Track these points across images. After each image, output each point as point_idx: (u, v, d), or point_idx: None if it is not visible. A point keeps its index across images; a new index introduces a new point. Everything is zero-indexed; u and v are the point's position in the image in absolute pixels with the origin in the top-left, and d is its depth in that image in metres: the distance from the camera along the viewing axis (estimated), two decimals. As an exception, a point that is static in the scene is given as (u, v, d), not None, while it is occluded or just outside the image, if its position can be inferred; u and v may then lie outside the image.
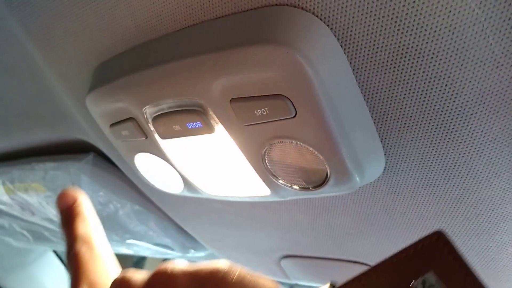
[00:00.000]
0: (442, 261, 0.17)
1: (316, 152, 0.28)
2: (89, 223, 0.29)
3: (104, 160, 0.53)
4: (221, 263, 0.21)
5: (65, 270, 1.11)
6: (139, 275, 0.23)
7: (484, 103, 0.26)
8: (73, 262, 0.27)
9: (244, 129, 0.29)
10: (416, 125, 0.28)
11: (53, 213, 0.61)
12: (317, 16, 0.25)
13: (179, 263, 0.23)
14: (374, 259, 0.46)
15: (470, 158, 0.29)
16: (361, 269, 0.50)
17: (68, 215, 0.29)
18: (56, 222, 0.67)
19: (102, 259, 0.27)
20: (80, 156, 0.53)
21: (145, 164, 0.40)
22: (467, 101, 0.26)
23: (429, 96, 0.26)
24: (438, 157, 0.30)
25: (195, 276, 0.21)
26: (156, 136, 0.34)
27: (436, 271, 0.17)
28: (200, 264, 0.22)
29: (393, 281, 0.18)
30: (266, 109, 0.27)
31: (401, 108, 0.28)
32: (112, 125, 0.37)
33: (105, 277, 0.27)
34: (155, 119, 0.32)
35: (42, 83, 0.46)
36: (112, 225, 0.56)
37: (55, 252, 1.09)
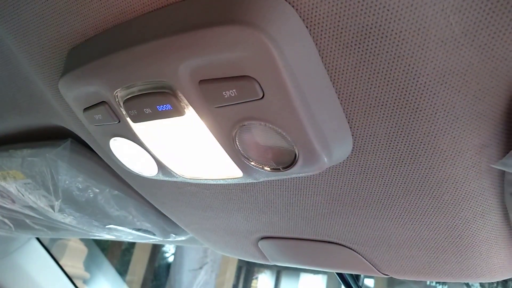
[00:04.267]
0: None
1: (284, 133, 0.29)
2: None
3: (81, 146, 0.53)
4: None
5: (48, 256, 1.11)
6: None
7: (446, 82, 0.27)
8: None
9: (213, 111, 0.29)
10: (382, 105, 0.29)
11: (33, 200, 0.60)
12: None
13: None
14: (347, 239, 0.47)
15: (434, 137, 0.30)
16: (336, 250, 0.51)
17: None
18: (36, 210, 0.67)
19: None
20: (58, 143, 0.53)
21: (120, 149, 0.40)
22: (430, 81, 0.27)
23: (393, 76, 0.27)
24: (404, 137, 0.31)
25: None
26: (128, 119, 0.34)
27: None
28: None
29: None
30: (234, 90, 0.27)
31: (366, 89, 0.28)
32: (86, 109, 0.37)
33: None
34: (126, 102, 0.32)
35: (16, 69, 0.46)
36: (92, 211, 0.56)
37: (38, 239, 1.09)
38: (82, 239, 2.96)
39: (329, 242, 0.49)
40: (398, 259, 0.47)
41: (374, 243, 0.45)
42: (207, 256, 3.70)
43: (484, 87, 0.27)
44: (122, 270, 4.08)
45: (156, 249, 4.45)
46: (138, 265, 4.23)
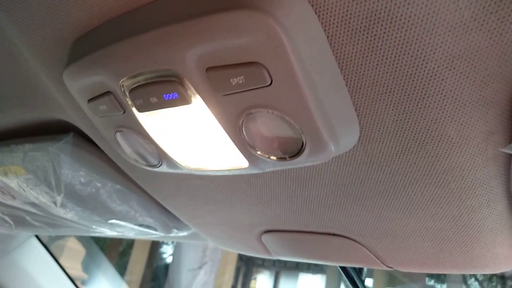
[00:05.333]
0: None
1: (291, 121, 0.29)
2: None
3: (84, 140, 0.53)
4: None
5: (48, 255, 1.11)
6: None
7: (455, 68, 0.27)
8: None
9: (221, 99, 0.29)
10: (390, 92, 0.29)
11: (34, 196, 0.60)
12: None
13: None
14: (351, 230, 0.47)
15: (442, 124, 0.30)
16: (340, 242, 0.51)
17: None
18: (37, 206, 0.67)
19: None
20: (60, 137, 0.53)
21: (124, 140, 0.40)
22: (439, 67, 0.27)
23: (402, 62, 0.27)
24: (411, 124, 0.31)
25: None
26: (134, 109, 0.34)
27: None
28: None
29: None
30: (242, 77, 0.27)
31: (374, 75, 0.28)
32: (90, 100, 0.37)
33: None
34: (132, 91, 0.32)
35: (17, 62, 0.45)
36: (94, 205, 0.56)
37: (37, 237, 1.08)
38: (80, 240, 2.95)
39: (333, 234, 0.48)
40: (402, 251, 0.47)
41: (379, 234, 0.45)
42: (206, 255, 3.69)
43: (491, 72, 0.27)
44: (121, 271, 4.07)
45: (154, 249, 4.44)
46: (137, 266, 4.22)
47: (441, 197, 0.36)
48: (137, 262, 4.29)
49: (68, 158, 0.49)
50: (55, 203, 0.55)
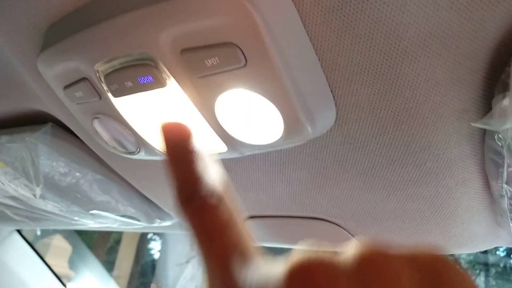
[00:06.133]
0: None
1: (268, 102, 0.29)
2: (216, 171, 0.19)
3: (62, 129, 0.52)
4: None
5: (31, 251, 1.09)
6: (334, 260, 0.15)
7: (427, 46, 0.27)
8: (204, 219, 0.17)
9: (196, 82, 0.29)
10: (364, 72, 0.29)
11: (13, 188, 0.59)
12: None
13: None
14: (332, 213, 0.47)
15: (416, 103, 0.30)
16: (321, 226, 0.51)
17: (181, 153, 0.18)
18: (19, 200, 0.66)
19: (241, 221, 0.18)
20: (38, 127, 0.52)
21: (101, 127, 0.39)
22: (411, 45, 0.27)
23: (375, 41, 0.27)
24: (386, 104, 0.31)
25: (422, 268, 0.15)
26: (110, 95, 0.33)
27: None
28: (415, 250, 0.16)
29: None
30: (216, 58, 0.27)
31: (349, 55, 0.29)
32: (66, 87, 0.36)
33: (252, 247, 0.17)
34: (107, 76, 0.32)
35: None
36: (74, 196, 0.55)
37: (19, 232, 1.06)
38: (66, 238, 2.91)
39: (315, 218, 0.49)
40: (383, 233, 0.47)
41: (359, 217, 0.46)
42: (193, 249, 3.68)
43: (464, 50, 0.27)
44: (109, 267, 4.04)
45: (142, 246, 4.42)
46: (125, 262, 4.19)
47: (419, 176, 0.37)
48: (125, 258, 4.26)
49: (47, 148, 0.49)
50: (34, 195, 0.55)
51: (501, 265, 2.25)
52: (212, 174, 0.18)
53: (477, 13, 0.25)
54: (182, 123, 0.19)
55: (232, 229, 0.17)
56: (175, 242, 3.66)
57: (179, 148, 0.18)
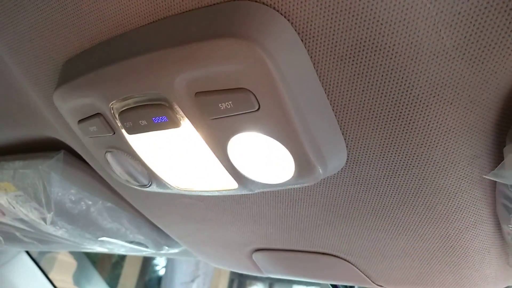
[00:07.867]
0: None
1: (279, 145, 0.29)
2: None
3: (74, 157, 0.53)
4: None
5: (38, 270, 1.10)
6: None
7: (438, 95, 0.27)
8: None
9: (209, 123, 0.30)
10: (376, 116, 0.30)
11: (24, 213, 0.60)
12: (277, 11, 0.26)
13: None
14: (341, 250, 0.47)
15: (428, 148, 0.30)
16: (330, 261, 0.51)
17: None
18: (27, 222, 0.66)
19: None
20: (51, 154, 0.53)
21: (114, 161, 0.40)
22: (423, 93, 0.27)
23: (387, 88, 0.27)
24: (397, 147, 0.31)
25: None
26: (124, 131, 0.34)
27: None
28: None
29: None
30: (230, 102, 0.27)
31: (361, 100, 0.29)
32: (80, 121, 0.37)
33: None
34: (121, 114, 0.32)
35: (9, 80, 0.45)
36: (84, 223, 0.56)
37: (28, 253, 1.07)
38: (71, 252, 2.91)
39: (323, 253, 0.49)
40: (392, 270, 0.47)
41: (368, 254, 0.46)
42: (199, 269, 3.66)
43: (474, 99, 0.27)
44: (113, 284, 4.01)
45: (147, 263, 4.40)
46: (129, 278, 4.17)
47: (429, 218, 0.37)
48: (130, 275, 4.23)
49: (59, 176, 0.49)
50: (45, 220, 0.55)
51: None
52: None
53: (488, 64, 0.26)
54: None
55: None
56: (180, 261, 3.64)
57: None
